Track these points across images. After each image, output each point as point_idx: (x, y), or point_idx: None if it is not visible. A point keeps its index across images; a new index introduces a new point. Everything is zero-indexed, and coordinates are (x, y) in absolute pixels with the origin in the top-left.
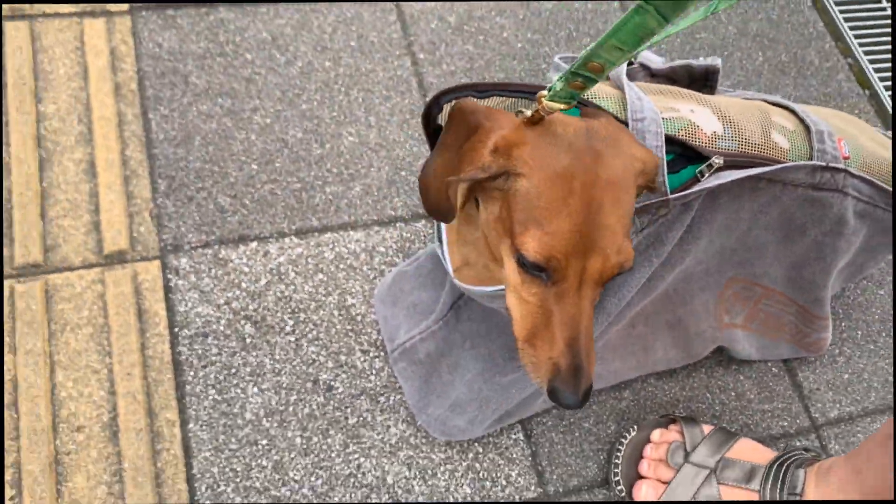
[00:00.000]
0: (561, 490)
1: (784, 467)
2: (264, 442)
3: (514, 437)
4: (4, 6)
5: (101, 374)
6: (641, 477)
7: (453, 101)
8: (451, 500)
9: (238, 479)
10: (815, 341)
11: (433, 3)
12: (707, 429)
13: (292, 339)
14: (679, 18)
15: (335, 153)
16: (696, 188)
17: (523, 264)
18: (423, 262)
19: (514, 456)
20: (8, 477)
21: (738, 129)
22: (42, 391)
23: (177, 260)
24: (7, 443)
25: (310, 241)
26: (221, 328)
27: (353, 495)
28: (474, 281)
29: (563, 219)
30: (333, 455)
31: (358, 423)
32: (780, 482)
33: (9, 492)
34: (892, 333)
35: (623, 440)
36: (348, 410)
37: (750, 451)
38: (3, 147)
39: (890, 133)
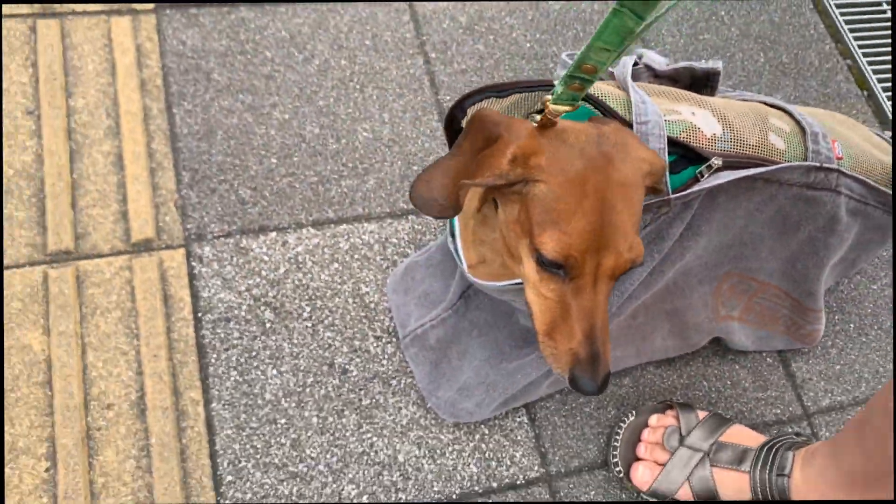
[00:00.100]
0: (563, 471)
1: (774, 449)
2: (283, 421)
3: (518, 419)
4: (36, 5)
5: (129, 356)
6: (639, 459)
7: (475, 106)
8: (459, 477)
9: (258, 456)
10: (809, 333)
11: (445, 4)
12: (702, 414)
13: (309, 324)
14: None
15: (350, 148)
16: (695, 188)
17: (542, 262)
18: (434, 253)
19: (519, 438)
20: (42, 450)
21: (736, 131)
22: (74, 370)
23: (200, 248)
24: (41, 418)
25: (326, 232)
26: (243, 313)
27: (366, 472)
28: (489, 277)
29: (578, 219)
30: (348, 434)
31: (371, 404)
32: (769, 463)
33: (44, 464)
34: (883, 327)
35: (622, 424)
36: (362, 392)
37: (743, 436)
38: (36, 139)
39: (885, 134)
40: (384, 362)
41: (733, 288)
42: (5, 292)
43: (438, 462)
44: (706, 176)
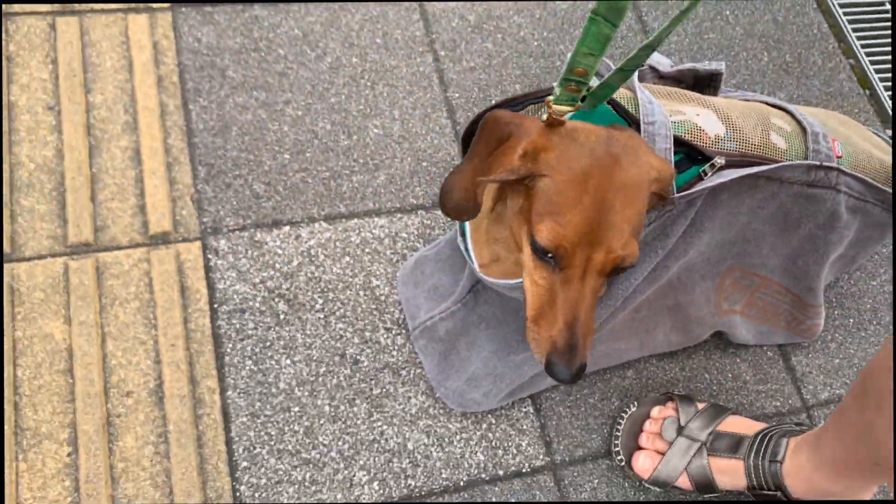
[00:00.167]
0: (567, 459)
1: (769, 437)
2: (296, 409)
3: (524, 409)
4: (56, 4)
5: (147, 345)
6: (640, 448)
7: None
8: (466, 465)
9: (272, 443)
10: (809, 327)
11: (454, 3)
12: (701, 405)
13: (322, 316)
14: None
15: (361, 144)
16: (699, 186)
17: (536, 249)
18: (443, 248)
19: (525, 427)
20: (65, 435)
21: (739, 131)
22: (95, 359)
23: (216, 241)
24: (63, 405)
25: (338, 226)
26: (257, 305)
27: (376, 459)
28: (501, 275)
29: (575, 213)
30: (359, 422)
31: (381, 393)
32: (763, 450)
33: (66, 448)
34: (881, 322)
35: (624, 414)
36: (373, 382)
37: (740, 425)
38: (56, 134)
39: (885, 133)
40: (394, 353)
41: (736, 283)
42: (28, 283)
43: (447, 450)
44: (709, 174)
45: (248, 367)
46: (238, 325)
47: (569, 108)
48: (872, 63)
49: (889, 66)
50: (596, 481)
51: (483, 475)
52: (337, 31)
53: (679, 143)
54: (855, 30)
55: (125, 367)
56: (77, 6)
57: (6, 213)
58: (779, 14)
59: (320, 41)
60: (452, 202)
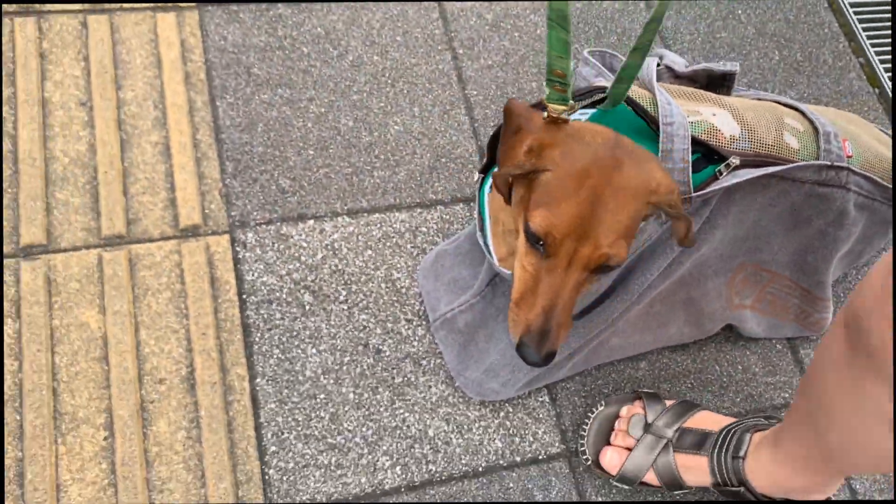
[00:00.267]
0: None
1: (733, 432)
2: (322, 396)
3: (540, 399)
4: (87, 2)
5: (179, 334)
6: (609, 445)
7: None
8: (485, 451)
9: (299, 428)
10: (817, 321)
11: (472, 2)
12: (669, 403)
13: (345, 307)
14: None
15: (382, 140)
16: (715, 186)
17: (529, 236)
18: (462, 242)
19: (541, 416)
20: (101, 420)
21: (753, 131)
22: (129, 347)
23: (244, 234)
24: (99, 391)
25: (360, 220)
26: (284, 296)
27: (398, 445)
28: None
29: (568, 205)
30: (382, 409)
31: (403, 382)
32: (726, 446)
33: (102, 433)
34: None
35: (591, 414)
36: (394, 371)
37: (708, 420)
38: (89, 130)
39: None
40: (415, 344)
41: (746, 279)
42: (64, 273)
43: (466, 437)
44: (725, 174)
45: (275, 356)
46: (266, 316)
47: (562, 107)
48: (882, 62)
49: None
50: None
51: (501, 461)
52: (358, 30)
53: (696, 142)
54: (865, 29)
55: (158, 355)
56: (107, 5)
57: (42, 206)
58: (790, 13)
59: (342, 39)
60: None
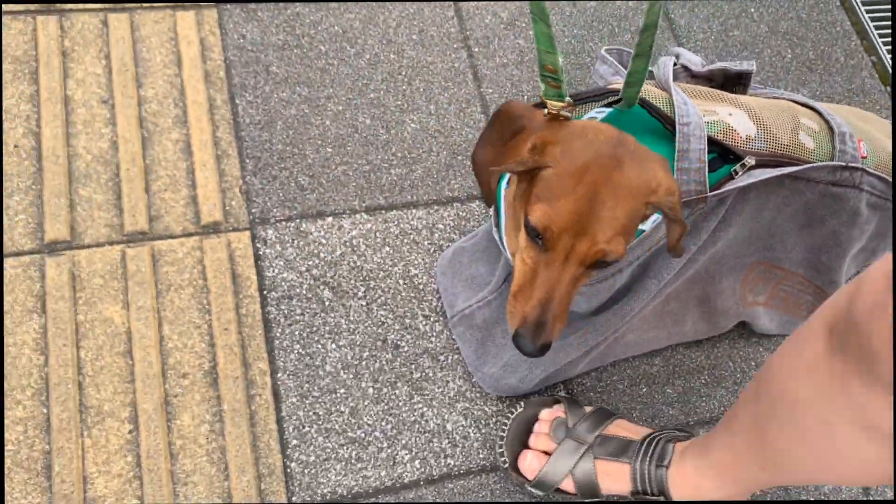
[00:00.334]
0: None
1: (655, 441)
2: (342, 391)
3: (557, 394)
4: (108, 1)
5: (202, 329)
6: (527, 448)
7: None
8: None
9: (320, 422)
10: None
11: (487, 1)
12: (588, 409)
13: (364, 303)
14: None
15: (399, 138)
16: (730, 185)
17: (528, 229)
18: (480, 239)
19: None
20: (126, 414)
21: (769, 131)
22: (152, 342)
23: (264, 231)
24: (124, 385)
25: (378, 217)
26: (304, 292)
27: (417, 439)
28: None
29: (567, 201)
30: (401, 404)
31: (421, 377)
32: (649, 454)
33: (127, 426)
34: None
35: (509, 415)
36: (413, 366)
37: (625, 429)
38: (111, 127)
39: None
40: (433, 339)
41: (760, 277)
42: (88, 269)
43: (483, 431)
44: (740, 174)
45: (296, 351)
46: (286, 311)
47: (560, 104)
48: (894, 60)
49: None
50: None
51: None
52: (375, 28)
53: (712, 142)
54: (877, 27)
55: (181, 350)
56: (127, 3)
57: (66, 202)
58: (802, 12)
59: (359, 38)
60: (481, 185)
